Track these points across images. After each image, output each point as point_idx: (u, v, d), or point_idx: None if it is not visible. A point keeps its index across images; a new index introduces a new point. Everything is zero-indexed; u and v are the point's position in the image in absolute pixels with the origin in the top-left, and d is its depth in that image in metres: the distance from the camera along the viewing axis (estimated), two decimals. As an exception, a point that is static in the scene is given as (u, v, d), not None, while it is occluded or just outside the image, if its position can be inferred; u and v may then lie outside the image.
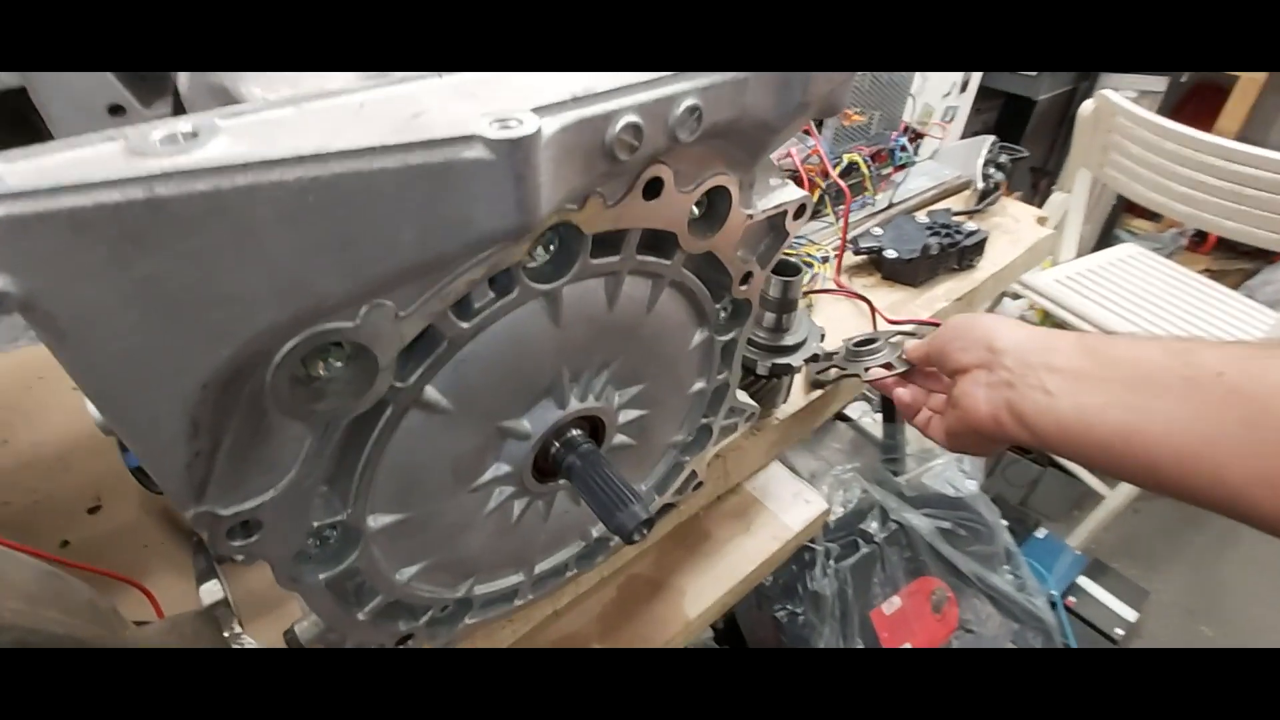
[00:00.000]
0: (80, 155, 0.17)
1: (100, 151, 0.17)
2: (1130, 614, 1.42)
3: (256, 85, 0.35)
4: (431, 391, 0.27)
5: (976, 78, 1.85)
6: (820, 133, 0.80)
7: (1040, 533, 1.54)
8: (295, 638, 0.32)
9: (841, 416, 1.41)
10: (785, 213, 0.36)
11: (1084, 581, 1.47)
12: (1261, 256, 2.12)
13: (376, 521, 0.29)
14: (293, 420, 0.23)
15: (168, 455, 0.21)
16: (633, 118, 0.22)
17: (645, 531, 0.32)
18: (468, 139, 0.18)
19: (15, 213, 0.15)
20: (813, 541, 1.01)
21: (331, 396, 0.24)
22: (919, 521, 1.08)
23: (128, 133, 0.17)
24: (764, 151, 0.30)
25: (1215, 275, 1.87)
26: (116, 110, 0.35)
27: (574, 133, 0.20)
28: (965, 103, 1.86)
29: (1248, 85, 1.93)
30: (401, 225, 0.19)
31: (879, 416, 1.40)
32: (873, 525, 1.08)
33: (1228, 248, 2.15)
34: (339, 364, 0.24)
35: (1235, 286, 1.88)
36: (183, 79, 0.35)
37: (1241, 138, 2.00)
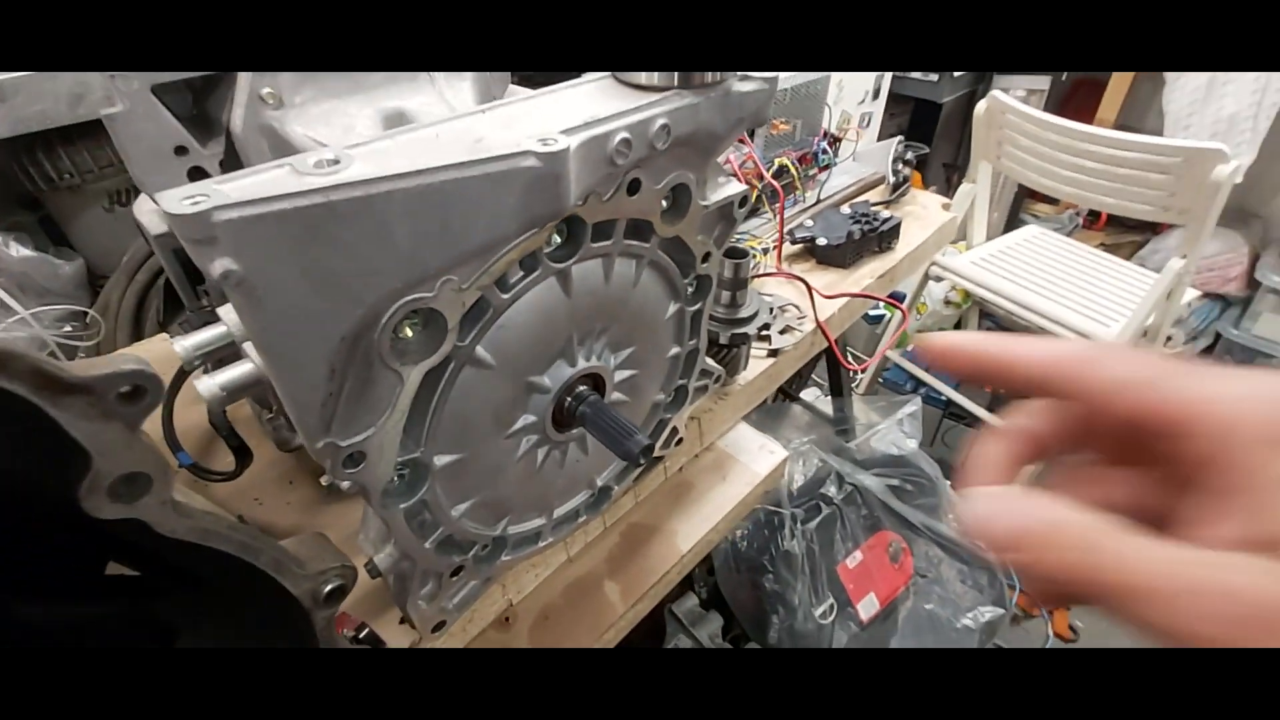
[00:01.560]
0: (266, 178, 0.25)
1: (277, 175, 0.25)
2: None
3: (297, 125, 0.43)
4: (481, 350, 0.35)
5: (886, 86, 2.04)
6: (753, 141, 0.91)
7: (982, 489, 1.69)
8: (375, 567, 0.40)
9: (795, 399, 1.53)
10: (732, 203, 0.46)
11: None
12: (1149, 229, 2.38)
13: (440, 460, 0.37)
14: (389, 370, 0.31)
15: (311, 394, 0.28)
16: (625, 134, 0.31)
17: (647, 455, 0.41)
18: (523, 154, 0.27)
19: (243, 215, 0.23)
20: (780, 506, 1.11)
21: (414, 350, 0.32)
22: (871, 481, 1.20)
23: (291, 162, 0.26)
24: (713, 155, 0.40)
25: (1110, 249, 2.09)
26: (181, 150, 0.42)
27: (588, 146, 0.30)
28: (878, 109, 2.04)
29: (1119, 81, 2.18)
30: (480, 213, 0.27)
31: (829, 398, 1.52)
32: (831, 489, 1.19)
33: (1118, 224, 2.40)
34: (419, 327, 0.32)
35: (1128, 257, 2.11)
36: (236, 123, 0.42)
37: (1120, 126, 2.26)
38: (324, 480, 0.33)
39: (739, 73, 0.35)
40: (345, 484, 0.33)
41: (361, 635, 0.44)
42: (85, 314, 0.81)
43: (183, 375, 0.52)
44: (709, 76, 0.34)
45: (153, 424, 0.53)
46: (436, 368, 0.34)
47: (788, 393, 1.61)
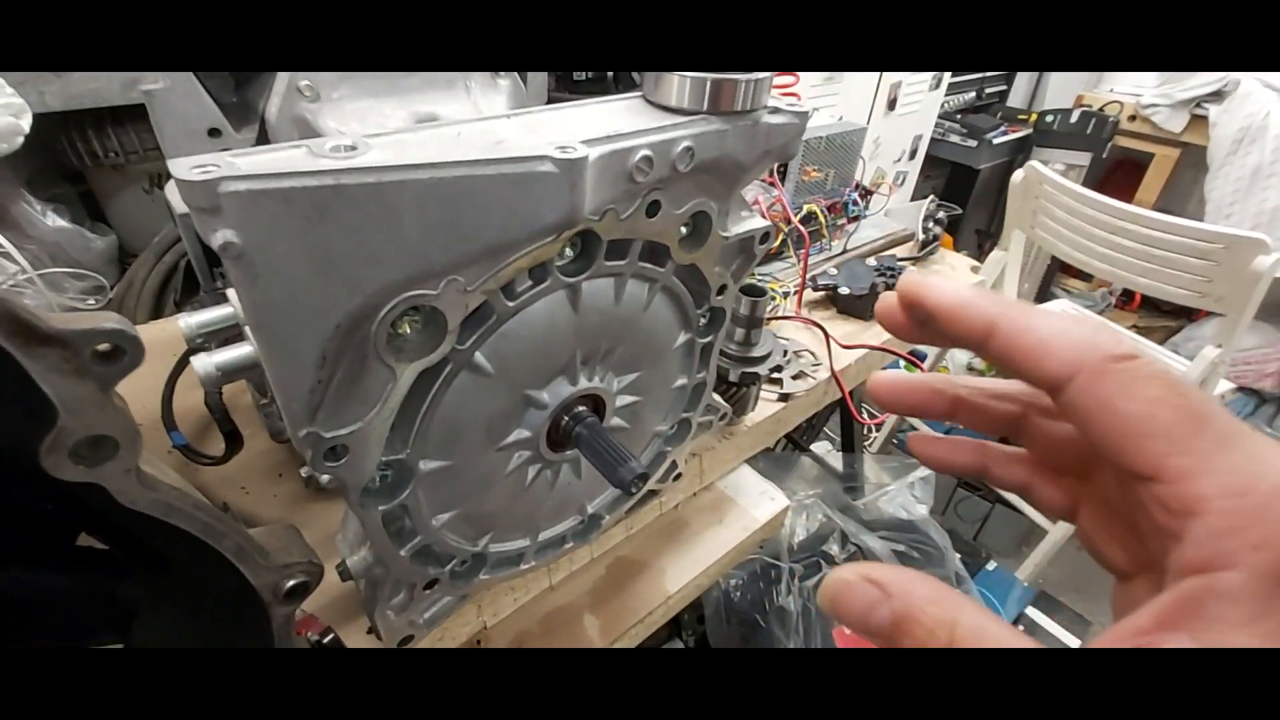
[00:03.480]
0: (281, 156, 0.25)
1: (293, 155, 0.25)
2: (1075, 643, 1.51)
3: (331, 119, 0.43)
4: (480, 356, 0.35)
5: (924, 146, 2.05)
6: (784, 185, 0.91)
7: (990, 566, 1.63)
8: (347, 570, 0.38)
9: (805, 450, 1.50)
10: (754, 237, 0.45)
11: (1032, 612, 1.56)
12: (1184, 315, 2.34)
13: (426, 465, 0.36)
14: (382, 365, 0.30)
15: (300, 379, 0.28)
16: (647, 152, 0.30)
17: (641, 484, 0.39)
18: (541, 158, 0.27)
19: (248, 188, 0.23)
20: (778, 559, 1.08)
21: (410, 348, 0.31)
22: (876, 544, 1.16)
23: (309, 144, 0.25)
24: (738, 186, 0.40)
25: (1142, 331, 2.05)
26: (214, 133, 0.43)
27: (608, 159, 0.29)
28: (914, 168, 2.05)
29: (1161, 163, 2.17)
30: (491, 215, 0.27)
31: (840, 453, 1.49)
32: (834, 548, 1.15)
33: (1153, 307, 2.36)
34: (419, 325, 0.31)
35: (1161, 343, 2.07)
36: (272, 112, 0.43)
37: (1159, 210, 2.25)
38: (304, 472, 0.32)
39: (769, 105, 0.35)
40: (325, 478, 0.32)
41: (325, 640, 0.42)
42: (108, 287, 0.83)
43: (189, 357, 0.52)
44: (738, 104, 0.33)
45: (152, 402, 0.53)
46: (432, 369, 0.33)
47: (798, 443, 1.58)
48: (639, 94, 0.35)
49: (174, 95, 0.40)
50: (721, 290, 0.46)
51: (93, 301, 0.80)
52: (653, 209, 0.36)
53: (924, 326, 0.21)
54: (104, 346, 0.20)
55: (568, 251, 0.36)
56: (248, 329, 0.35)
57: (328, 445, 0.31)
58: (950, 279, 0.23)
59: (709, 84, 0.33)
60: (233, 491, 0.55)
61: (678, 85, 0.33)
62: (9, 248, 0.56)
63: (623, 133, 0.30)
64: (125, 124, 0.86)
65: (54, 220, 0.86)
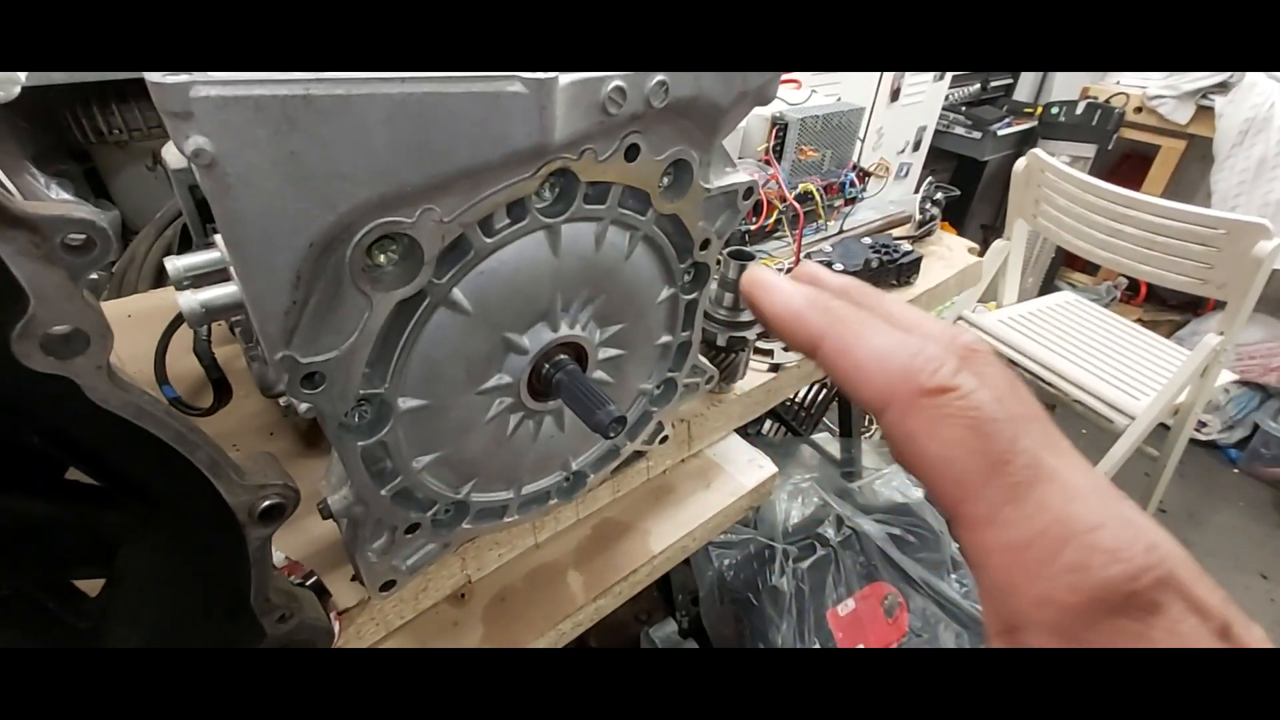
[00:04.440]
0: (258, 74, 0.25)
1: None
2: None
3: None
4: (458, 293, 0.35)
5: (928, 138, 2.04)
6: (779, 164, 0.92)
7: (991, 556, 1.62)
8: (327, 508, 0.39)
9: (804, 438, 1.50)
10: (736, 191, 0.45)
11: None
12: (1190, 309, 2.32)
13: (405, 403, 0.37)
14: (358, 293, 0.31)
15: (275, 299, 0.28)
16: (619, 82, 0.31)
17: (619, 427, 0.40)
18: (510, 77, 0.27)
19: (219, 94, 0.23)
20: (772, 540, 1.08)
21: (388, 279, 0.32)
22: (871, 527, 1.16)
23: (281, 61, 0.26)
24: (718, 133, 0.40)
25: (1148, 325, 2.04)
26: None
27: (580, 86, 0.29)
28: (918, 160, 2.05)
29: (1169, 154, 2.15)
30: (462, 134, 0.27)
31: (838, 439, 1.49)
32: (829, 531, 1.15)
33: (1158, 301, 2.35)
34: (395, 255, 0.32)
35: (1167, 336, 2.06)
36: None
37: (1165, 203, 2.23)
38: (283, 401, 0.33)
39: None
40: (303, 406, 0.32)
41: (308, 583, 0.43)
42: (112, 261, 0.84)
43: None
44: (714, 42, 0.34)
45: (150, 367, 0.53)
46: (410, 302, 0.33)
47: (797, 431, 1.58)
48: (617, 35, 0.36)
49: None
50: (705, 245, 0.46)
51: (94, 275, 0.81)
52: (631, 152, 0.37)
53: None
54: (74, 237, 0.21)
55: (546, 194, 0.36)
56: (225, 252, 0.36)
57: (304, 371, 0.31)
58: (785, 281, 0.22)
59: (684, 21, 0.33)
60: (225, 448, 0.55)
61: (654, 24, 0.34)
62: (5, 181, 0.57)
63: (595, 62, 0.30)
64: (129, 100, 0.88)
65: (57, 193, 0.87)
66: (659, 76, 0.32)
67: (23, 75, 0.49)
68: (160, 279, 0.90)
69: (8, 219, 0.19)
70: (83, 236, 0.21)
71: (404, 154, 0.27)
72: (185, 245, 0.84)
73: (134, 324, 0.69)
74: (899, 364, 0.18)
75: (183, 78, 0.23)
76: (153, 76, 0.23)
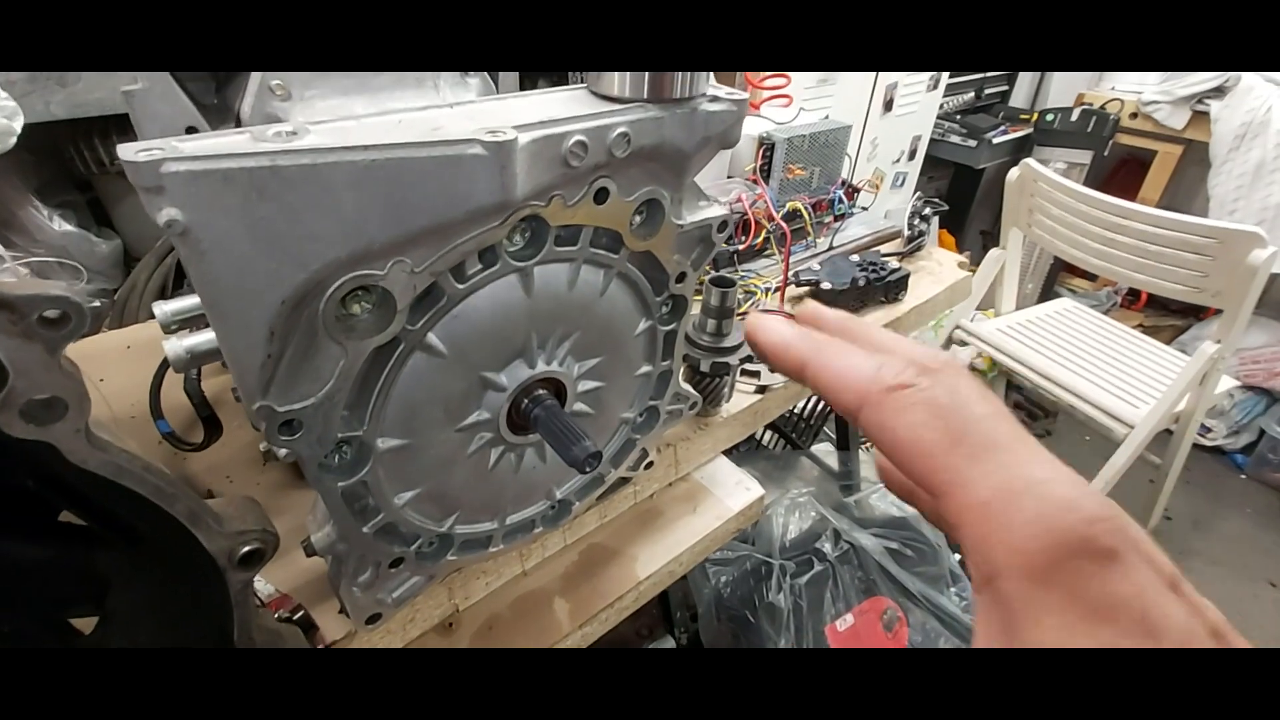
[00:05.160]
0: (225, 141, 0.26)
1: (236, 139, 0.27)
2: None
3: (301, 116, 0.45)
4: (433, 337, 0.36)
5: (923, 147, 2.05)
6: (767, 183, 0.93)
7: (993, 566, 1.61)
8: (311, 546, 0.40)
9: (804, 450, 1.50)
10: (711, 225, 0.46)
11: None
12: (1192, 314, 2.31)
13: (384, 443, 0.38)
14: (333, 342, 0.32)
15: (251, 354, 0.29)
16: (580, 137, 0.32)
17: (595, 463, 0.41)
18: (470, 140, 0.28)
19: (190, 169, 0.25)
20: (770, 556, 1.08)
21: (362, 327, 0.33)
22: (869, 541, 1.16)
23: (251, 130, 0.27)
24: (686, 174, 0.41)
25: (1148, 331, 2.03)
26: (191, 130, 0.45)
27: (540, 144, 0.31)
28: (913, 169, 2.05)
29: (1165, 159, 2.15)
30: (426, 195, 0.29)
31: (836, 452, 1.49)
32: (826, 546, 1.15)
33: (1159, 306, 2.34)
34: (369, 305, 0.33)
35: (1168, 342, 2.05)
36: (245, 110, 0.45)
37: (1164, 208, 2.23)
38: (262, 446, 0.34)
39: (708, 93, 0.37)
40: (281, 452, 0.33)
41: (296, 617, 0.44)
42: (114, 290, 0.86)
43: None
44: (676, 93, 0.35)
45: (145, 396, 0.54)
46: (386, 348, 0.34)
47: (796, 443, 1.58)
48: (583, 86, 0.37)
49: (151, 96, 0.42)
50: (681, 278, 0.47)
51: (97, 303, 0.83)
52: (601, 196, 0.38)
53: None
54: (51, 313, 0.22)
55: (517, 238, 0.37)
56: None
57: (281, 419, 0.32)
58: (778, 321, 0.25)
59: (646, 74, 0.34)
60: (218, 480, 0.57)
61: (618, 76, 0.35)
62: (3, 255, 0.59)
63: (557, 118, 0.31)
64: (129, 132, 0.90)
65: (61, 225, 0.89)
66: (621, 129, 0.33)
67: (19, 126, 0.51)
68: (161, 307, 0.92)
69: (-15, 300, 0.21)
70: (59, 311, 0.22)
71: (372, 215, 0.28)
72: (179, 275, 0.86)
73: (133, 355, 0.71)
74: (868, 373, 0.21)
75: (155, 155, 0.24)
76: (125, 154, 0.24)
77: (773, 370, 0.73)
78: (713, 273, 0.72)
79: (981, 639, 0.18)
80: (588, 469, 0.41)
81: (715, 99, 0.37)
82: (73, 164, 0.92)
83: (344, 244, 0.28)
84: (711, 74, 0.37)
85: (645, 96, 0.35)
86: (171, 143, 0.25)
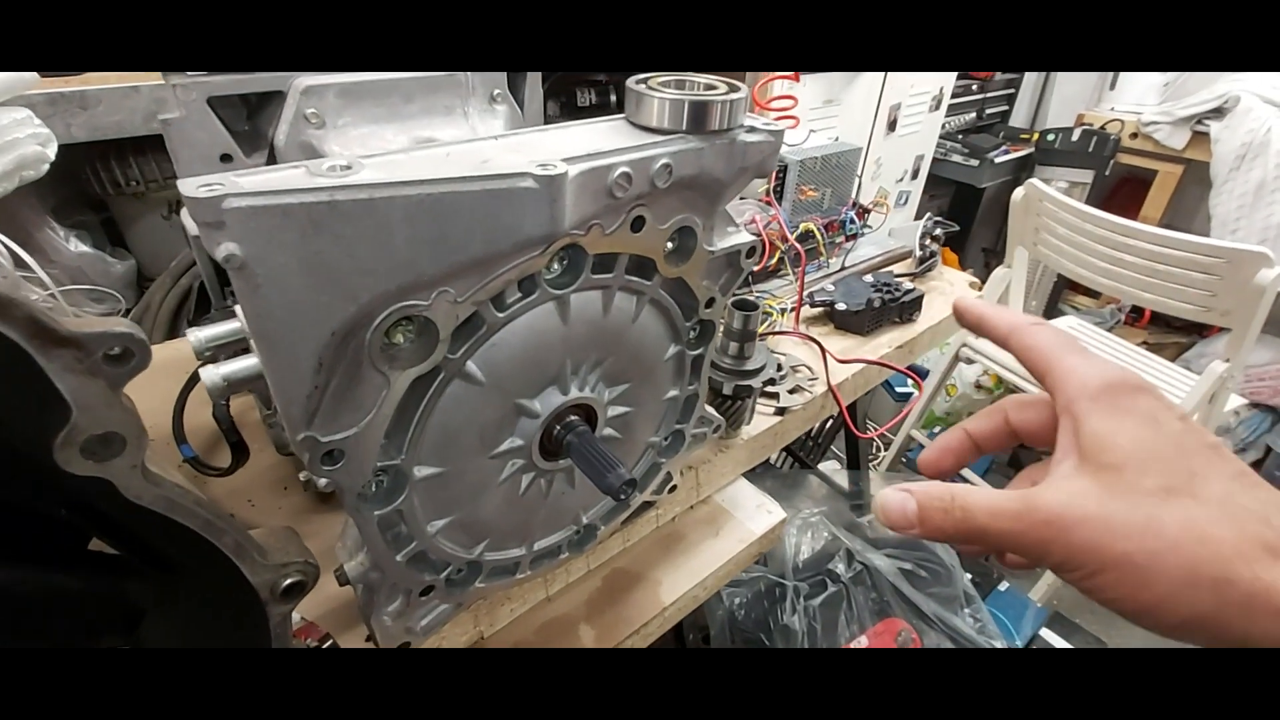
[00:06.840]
0: (281, 175, 0.27)
1: (292, 174, 0.27)
2: (1092, 665, 1.47)
3: (335, 144, 0.46)
4: (472, 365, 0.36)
5: (926, 166, 2.07)
6: (780, 204, 0.93)
7: (1003, 586, 1.60)
8: (344, 574, 0.39)
9: (812, 469, 1.49)
10: (740, 252, 0.47)
11: (1046, 634, 1.53)
12: (1196, 331, 2.31)
13: (420, 471, 0.38)
14: (377, 372, 0.32)
15: (298, 385, 0.29)
16: (625, 169, 0.32)
17: (630, 490, 0.40)
18: (523, 174, 0.28)
19: (251, 205, 0.25)
20: (783, 577, 1.07)
21: (405, 357, 0.33)
22: (882, 562, 1.15)
23: (307, 164, 0.27)
24: (720, 202, 0.41)
25: (1153, 348, 2.03)
26: (226, 158, 0.45)
27: (588, 176, 0.31)
28: (916, 188, 2.07)
29: (1166, 179, 2.17)
30: (477, 228, 0.29)
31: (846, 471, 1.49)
32: (840, 567, 1.14)
33: (1163, 323, 2.34)
34: (411, 335, 0.33)
35: (1173, 359, 2.05)
36: (280, 138, 0.45)
37: (1165, 226, 2.25)
38: (302, 476, 0.34)
39: (746, 124, 0.37)
40: (322, 481, 0.33)
41: (325, 646, 0.43)
42: (127, 309, 0.86)
43: (199, 370, 0.54)
44: (715, 124, 0.35)
45: (166, 418, 0.54)
46: (425, 376, 0.34)
47: (805, 462, 1.58)
48: (622, 116, 0.37)
49: (188, 124, 0.42)
50: (710, 303, 0.48)
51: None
52: (637, 224, 0.38)
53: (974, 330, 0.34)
54: (115, 349, 0.22)
55: (555, 265, 0.38)
56: (252, 343, 0.37)
57: (324, 449, 0.32)
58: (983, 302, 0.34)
59: (687, 105, 0.35)
60: (240, 504, 0.56)
61: (658, 107, 0.35)
62: (35, 268, 0.59)
63: (602, 151, 0.32)
64: (146, 154, 0.90)
65: (76, 245, 0.89)
66: (663, 160, 0.34)
67: (53, 153, 0.51)
68: (175, 325, 0.92)
69: (55, 339, 0.21)
70: (122, 348, 0.22)
71: (422, 248, 0.28)
72: (201, 294, 0.86)
73: (149, 376, 0.69)
74: (1017, 318, 0.32)
75: (216, 191, 0.24)
76: (186, 190, 0.24)
77: (792, 391, 0.73)
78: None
79: (1059, 447, 0.28)
80: (623, 496, 0.41)
81: (753, 129, 0.37)
82: (89, 184, 0.93)
83: (395, 276, 0.29)
84: (750, 107, 0.37)
85: (685, 128, 0.35)
86: (230, 178, 0.26)
